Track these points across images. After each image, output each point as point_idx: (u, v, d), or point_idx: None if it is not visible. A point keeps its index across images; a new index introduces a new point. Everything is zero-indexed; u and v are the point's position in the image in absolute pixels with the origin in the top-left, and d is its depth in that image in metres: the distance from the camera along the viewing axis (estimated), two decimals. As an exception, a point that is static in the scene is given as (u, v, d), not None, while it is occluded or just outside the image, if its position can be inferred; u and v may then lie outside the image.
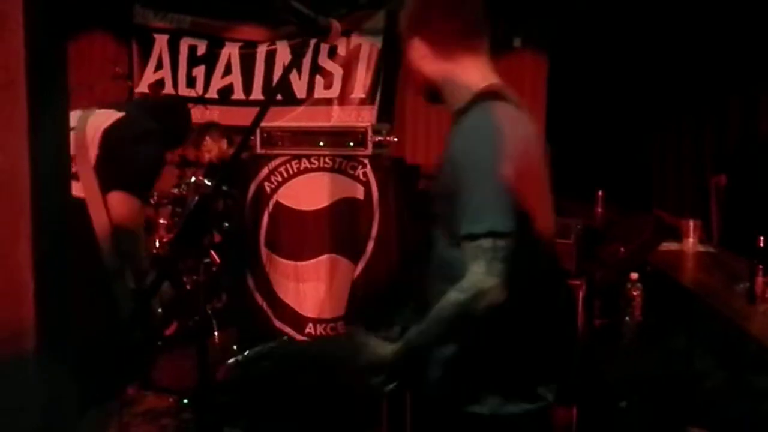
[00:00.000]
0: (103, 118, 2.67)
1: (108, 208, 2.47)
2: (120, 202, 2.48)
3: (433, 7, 1.80)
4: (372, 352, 1.83)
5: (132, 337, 2.37)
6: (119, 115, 2.69)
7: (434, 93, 1.85)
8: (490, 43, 1.84)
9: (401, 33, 1.84)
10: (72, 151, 2.45)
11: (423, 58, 1.80)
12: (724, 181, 5.29)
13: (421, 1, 1.84)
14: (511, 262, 1.60)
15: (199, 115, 5.88)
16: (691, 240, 4.14)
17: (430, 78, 1.82)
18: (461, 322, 1.66)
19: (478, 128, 1.69)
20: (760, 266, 2.83)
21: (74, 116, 2.64)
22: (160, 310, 2.75)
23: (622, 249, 3.49)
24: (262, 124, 3.87)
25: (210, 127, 5.51)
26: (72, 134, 2.51)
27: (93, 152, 2.56)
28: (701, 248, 4.12)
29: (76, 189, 2.43)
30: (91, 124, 2.64)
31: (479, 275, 1.59)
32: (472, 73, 1.79)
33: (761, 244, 2.87)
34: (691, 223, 4.18)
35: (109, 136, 2.58)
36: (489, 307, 1.59)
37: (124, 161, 2.55)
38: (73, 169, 2.46)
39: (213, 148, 5.32)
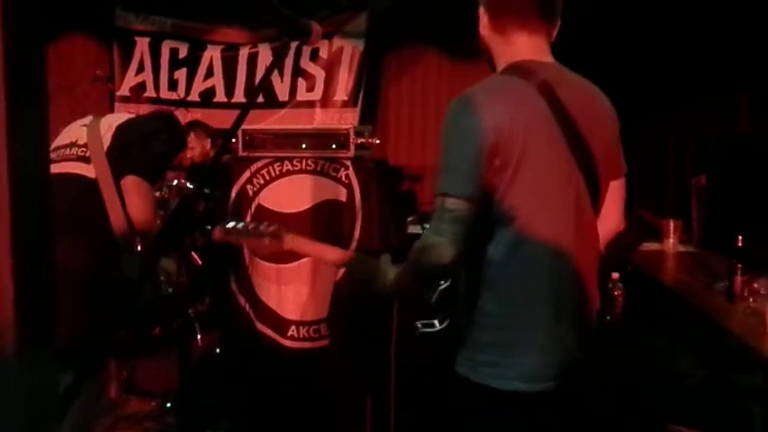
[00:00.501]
0: (117, 116, 3.11)
1: (124, 191, 2.84)
2: (134, 183, 2.86)
3: None
4: (381, 277, 2.07)
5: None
6: (130, 115, 3.14)
7: (491, 61, 1.98)
8: (553, 31, 1.93)
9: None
10: (84, 140, 2.91)
11: (483, 27, 1.95)
12: (704, 182, 5.33)
13: None
14: (468, 228, 1.72)
15: (181, 117, 5.85)
16: (671, 240, 4.18)
17: (487, 46, 1.97)
18: (415, 270, 1.86)
19: (458, 99, 1.80)
20: (740, 265, 2.86)
21: (87, 118, 3.08)
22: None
23: (603, 249, 3.51)
24: (244, 126, 3.87)
25: (194, 125, 5.50)
26: (84, 129, 2.96)
27: (106, 141, 2.91)
28: (682, 248, 4.16)
29: (89, 171, 2.84)
30: (105, 120, 3.02)
31: (427, 231, 1.77)
32: (518, 49, 1.88)
33: (740, 244, 2.90)
34: (672, 224, 4.22)
35: (123, 130, 2.95)
36: (435, 264, 1.74)
37: (136, 151, 2.91)
38: (86, 154, 2.88)
39: (196, 146, 5.31)
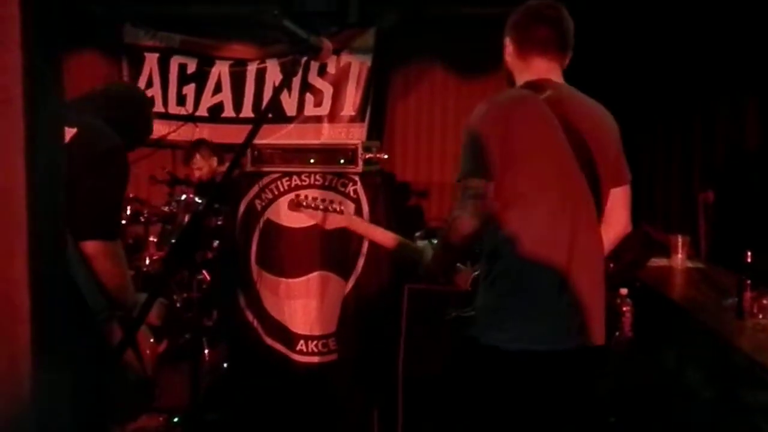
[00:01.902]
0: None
1: (87, 257, 2.24)
2: (95, 249, 2.22)
3: (526, 17, 2.26)
4: (425, 258, 2.50)
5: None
6: (72, 132, 2.31)
7: (512, 80, 2.32)
8: (566, 60, 2.29)
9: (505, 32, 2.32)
10: None
11: (508, 55, 2.31)
12: (711, 197, 5.33)
13: (520, 12, 2.28)
14: (486, 203, 2.04)
15: (189, 133, 5.89)
16: (679, 256, 4.17)
17: (510, 69, 2.33)
18: (444, 244, 2.19)
19: (481, 104, 2.16)
20: (748, 281, 2.85)
21: None
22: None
23: (612, 265, 3.51)
24: (253, 141, 3.89)
25: (200, 144, 5.53)
26: None
27: None
28: (690, 264, 4.15)
29: None
30: None
31: (455, 206, 2.08)
32: (536, 71, 2.23)
33: (749, 259, 2.89)
34: (680, 239, 4.21)
35: (71, 151, 2.19)
36: (459, 235, 2.05)
37: (87, 200, 2.22)
38: None
39: (203, 166, 5.34)
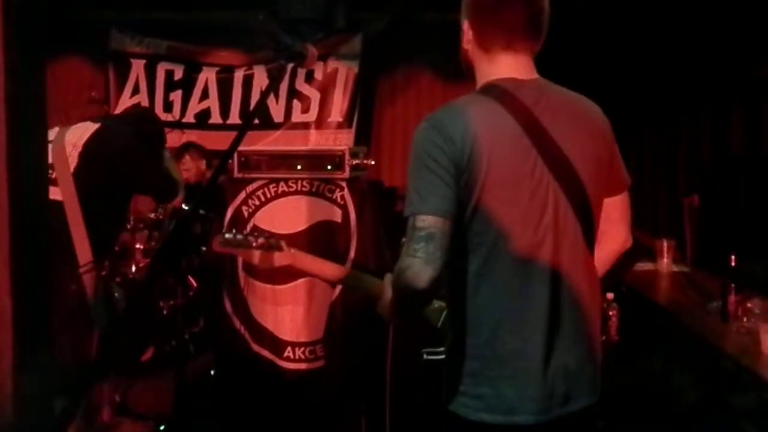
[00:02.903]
0: (81, 130, 2.93)
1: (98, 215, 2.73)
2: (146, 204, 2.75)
3: (486, 5, 1.83)
4: (383, 296, 1.93)
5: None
6: (96, 126, 2.96)
7: (471, 73, 1.93)
8: (539, 47, 1.87)
9: (461, 11, 1.91)
10: (49, 160, 2.68)
11: (467, 42, 1.88)
12: (696, 201, 5.35)
13: None
14: (443, 246, 1.62)
15: (176, 139, 5.87)
16: (665, 260, 4.19)
17: (469, 60, 1.91)
18: (395, 297, 1.76)
19: (426, 120, 1.76)
20: (732, 285, 2.87)
21: (52, 132, 2.87)
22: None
23: (609, 269, 3.52)
24: (240, 148, 3.88)
25: (189, 146, 5.51)
26: (49, 147, 2.73)
27: (73, 161, 2.79)
28: (675, 268, 4.17)
29: (54, 193, 2.66)
30: (70, 135, 2.89)
31: (402, 254, 1.65)
32: (500, 67, 1.83)
33: (733, 263, 2.91)
34: (665, 243, 4.24)
35: (89, 149, 2.84)
36: (411, 288, 1.63)
37: (110, 169, 2.83)
38: (53, 176, 2.70)
39: (192, 167, 5.32)
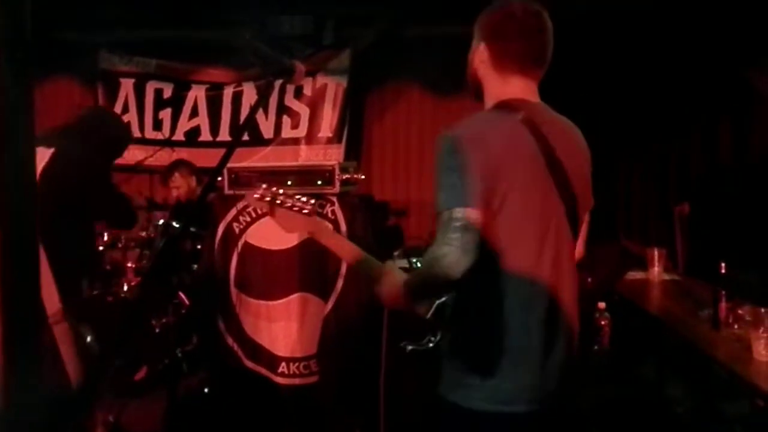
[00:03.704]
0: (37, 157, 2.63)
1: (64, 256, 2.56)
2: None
3: (507, 28, 1.96)
4: (387, 282, 2.00)
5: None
6: (50, 151, 2.74)
7: (479, 92, 2.05)
8: (543, 75, 2.01)
9: (474, 32, 2.03)
10: None
11: (482, 62, 2.00)
12: (687, 210, 5.38)
13: (500, 18, 1.98)
14: (476, 239, 1.70)
15: (166, 157, 5.88)
16: (656, 269, 4.20)
17: (480, 80, 2.03)
18: (423, 283, 1.82)
19: (452, 130, 1.85)
20: (723, 292, 2.88)
21: None
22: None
23: (589, 279, 3.53)
24: (230, 164, 3.89)
25: (179, 164, 5.52)
26: None
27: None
28: (667, 276, 4.18)
29: None
30: None
31: (436, 243, 1.72)
32: (512, 88, 1.97)
33: (723, 271, 2.93)
34: (656, 252, 4.25)
35: (47, 174, 2.62)
36: (445, 275, 1.70)
37: (70, 197, 2.64)
38: None
39: (182, 185, 5.32)
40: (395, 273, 1.99)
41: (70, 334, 2.68)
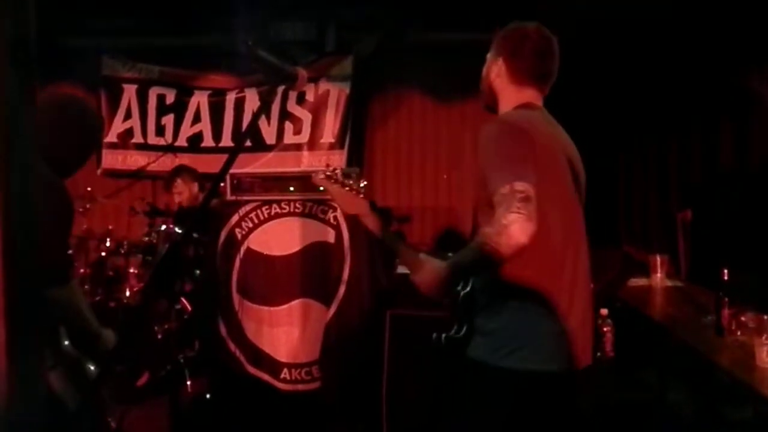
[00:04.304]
0: None
1: None
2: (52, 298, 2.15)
3: (524, 47, 2.20)
4: (428, 269, 2.11)
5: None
6: None
7: (493, 103, 2.28)
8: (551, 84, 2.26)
9: (491, 48, 2.26)
10: None
11: (498, 77, 2.23)
12: (689, 216, 5.38)
13: (517, 38, 2.21)
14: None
15: (168, 163, 5.88)
16: (659, 275, 4.19)
17: (495, 92, 2.26)
18: (488, 258, 1.91)
19: (500, 121, 2.14)
20: (726, 299, 2.87)
21: None
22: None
23: (592, 285, 3.53)
24: (232, 170, 3.90)
25: (181, 170, 5.52)
26: None
27: None
28: (669, 283, 4.17)
29: None
30: None
31: (501, 213, 1.86)
32: (525, 96, 2.21)
33: (726, 277, 2.92)
34: (659, 259, 4.24)
35: None
36: (515, 242, 1.84)
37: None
38: None
39: (184, 191, 5.32)
40: (432, 260, 2.12)
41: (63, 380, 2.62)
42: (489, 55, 2.27)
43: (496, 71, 2.23)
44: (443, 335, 2.26)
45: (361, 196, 2.54)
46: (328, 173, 2.56)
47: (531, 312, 2.05)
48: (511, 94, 2.22)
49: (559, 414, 2.12)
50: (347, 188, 2.53)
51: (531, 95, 2.21)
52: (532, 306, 2.05)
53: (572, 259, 2.09)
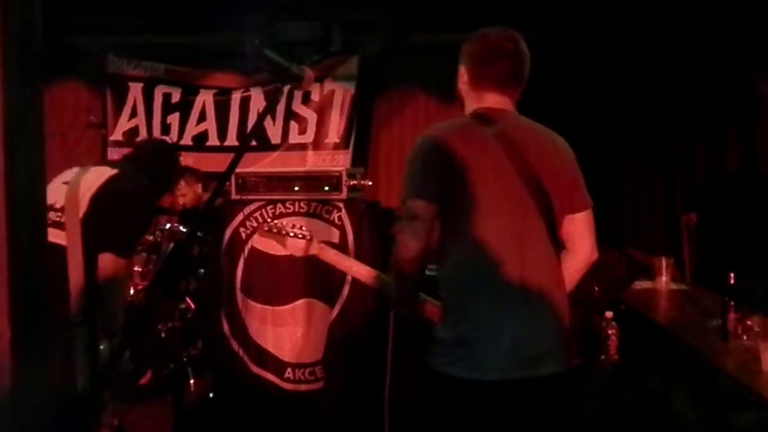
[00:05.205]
0: (96, 175, 2.90)
1: (100, 266, 2.74)
2: (110, 261, 2.77)
3: (483, 53, 2.26)
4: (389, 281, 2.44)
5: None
6: (111, 172, 2.95)
7: (462, 103, 2.35)
8: (519, 91, 2.29)
9: (459, 58, 2.33)
10: (62, 203, 2.72)
11: (463, 83, 2.30)
12: (694, 219, 5.37)
13: (477, 44, 2.28)
14: (428, 225, 2.04)
15: (173, 161, 5.86)
16: (663, 278, 4.18)
17: (462, 95, 2.34)
18: (397, 272, 2.18)
19: (423, 134, 2.19)
20: (732, 303, 2.86)
21: (71, 172, 2.91)
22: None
23: (596, 288, 3.52)
24: (237, 170, 3.89)
25: (184, 171, 5.50)
26: (66, 188, 2.78)
27: (83, 206, 2.77)
28: (674, 286, 4.16)
29: (60, 237, 2.65)
30: (87, 178, 2.86)
31: (398, 228, 2.07)
32: (486, 102, 2.25)
33: (732, 281, 2.91)
34: (664, 261, 4.23)
35: (100, 197, 2.82)
36: (401, 257, 2.07)
37: (113, 226, 2.80)
38: (62, 220, 2.68)
39: (187, 192, 5.30)
40: (386, 276, 2.43)
41: (86, 338, 2.75)
42: (459, 66, 2.34)
43: (461, 79, 2.31)
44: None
45: (308, 237, 2.94)
46: (266, 229, 3.00)
47: (471, 316, 2.07)
48: (471, 101, 2.29)
49: (520, 423, 2.10)
50: (293, 236, 2.96)
51: (494, 100, 2.24)
52: (473, 309, 2.07)
53: (520, 258, 2.08)
